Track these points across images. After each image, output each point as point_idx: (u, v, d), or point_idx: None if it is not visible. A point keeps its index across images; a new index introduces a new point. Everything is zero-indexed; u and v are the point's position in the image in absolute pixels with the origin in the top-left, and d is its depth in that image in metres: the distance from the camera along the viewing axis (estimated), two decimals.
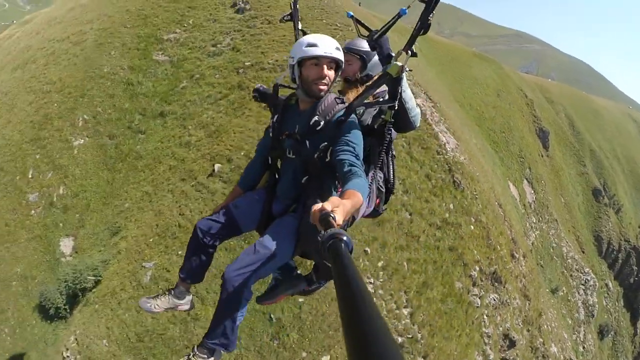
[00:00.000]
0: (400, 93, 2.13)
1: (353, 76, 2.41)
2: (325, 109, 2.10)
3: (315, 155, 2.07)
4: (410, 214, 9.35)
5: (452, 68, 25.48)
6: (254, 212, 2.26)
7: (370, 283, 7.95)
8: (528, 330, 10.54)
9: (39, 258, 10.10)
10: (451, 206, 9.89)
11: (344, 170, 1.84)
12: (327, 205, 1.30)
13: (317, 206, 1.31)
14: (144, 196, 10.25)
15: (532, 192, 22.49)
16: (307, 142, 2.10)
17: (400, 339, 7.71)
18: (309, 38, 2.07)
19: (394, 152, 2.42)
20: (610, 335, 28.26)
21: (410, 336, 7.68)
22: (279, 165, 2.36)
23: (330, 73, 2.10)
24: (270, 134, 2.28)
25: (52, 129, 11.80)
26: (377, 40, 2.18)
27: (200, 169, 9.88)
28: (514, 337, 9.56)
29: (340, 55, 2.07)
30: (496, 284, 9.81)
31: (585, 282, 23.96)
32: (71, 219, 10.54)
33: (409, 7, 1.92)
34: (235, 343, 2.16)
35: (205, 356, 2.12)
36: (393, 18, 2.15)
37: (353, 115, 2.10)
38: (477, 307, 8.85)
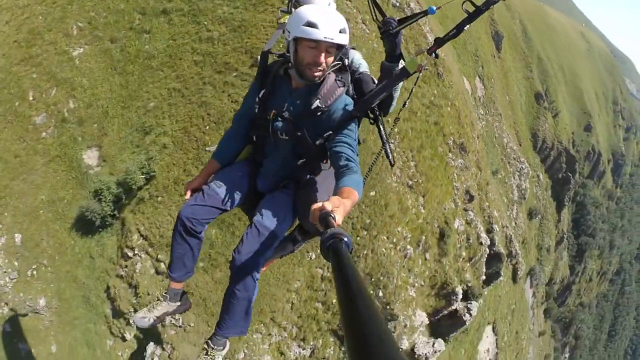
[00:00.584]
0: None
1: None
2: (326, 93, 1.95)
3: (317, 142, 1.99)
4: (409, 96, 10.81)
5: None
6: (238, 189, 2.17)
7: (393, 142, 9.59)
8: (479, 194, 12.99)
9: (63, 178, 9.81)
10: (435, 92, 11.62)
11: (340, 164, 1.81)
12: (327, 205, 1.31)
13: (317, 205, 1.33)
14: (172, 92, 9.92)
15: (482, 87, 24.52)
16: (304, 126, 1.99)
17: (409, 182, 9.75)
18: (310, 13, 1.80)
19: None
20: (537, 218, 33.96)
21: (415, 180, 9.70)
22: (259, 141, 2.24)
23: (329, 59, 1.90)
24: (256, 109, 2.11)
25: (44, 44, 10.49)
26: (394, 33, 1.99)
27: (237, 61, 9.64)
28: (472, 194, 11.86)
29: (343, 40, 1.83)
30: (462, 152, 11.93)
31: (520, 169, 27.69)
32: (90, 130, 10.09)
33: (439, 8, 1.80)
34: (248, 326, 2.15)
35: (222, 347, 2.13)
36: (419, 14, 1.98)
37: (349, 99, 2.03)
38: (451, 166, 11.15)
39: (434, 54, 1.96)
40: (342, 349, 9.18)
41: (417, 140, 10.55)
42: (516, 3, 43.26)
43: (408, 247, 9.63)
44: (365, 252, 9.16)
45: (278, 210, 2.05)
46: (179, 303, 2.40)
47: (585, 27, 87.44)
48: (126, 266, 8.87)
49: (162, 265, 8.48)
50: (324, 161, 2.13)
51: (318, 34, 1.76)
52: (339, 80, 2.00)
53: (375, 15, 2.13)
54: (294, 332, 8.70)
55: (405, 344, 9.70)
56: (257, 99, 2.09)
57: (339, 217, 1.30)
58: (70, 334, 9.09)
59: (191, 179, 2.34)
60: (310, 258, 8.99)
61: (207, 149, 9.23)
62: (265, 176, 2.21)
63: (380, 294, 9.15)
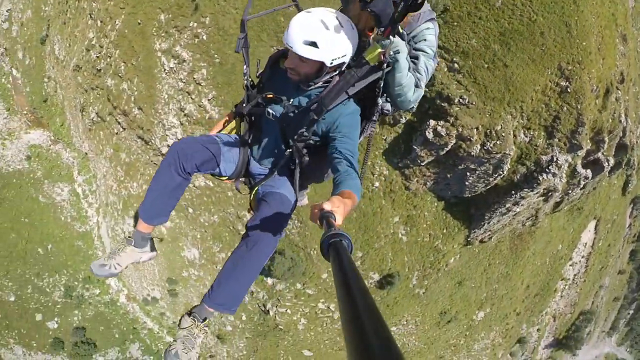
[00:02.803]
0: (385, 80, 2.06)
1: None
2: (324, 98, 2.07)
3: (312, 141, 2.17)
4: None
5: None
6: (234, 157, 2.35)
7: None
8: (629, 81, 17.51)
9: None
10: None
11: (340, 169, 1.92)
12: (327, 205, 1.41)
13: (317, 205, 1.43)
14: None
15: None
16: (301, 119, 2.13)
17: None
18: (297, 16, 2.00)
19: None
20: None
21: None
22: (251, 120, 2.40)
23: (301, 65, 2.04)
24: (250, 88, 2.32)
25: None
26: None
27: None
28: (624, 77, 16.53)
29: (307, 53, 1.94)
30: (624, 41, 16.18)
31: None
32: None
33: None
34: (238, 306, 2.13)
35: (206, 324, 2.16)
36: None
37: (355, 106, 2.14)
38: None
39: (394, 36, 1.90)
40: None
41: None
42: None
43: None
44: None
45: (288, 185, 2.29)
46: (145, 250, 2.42)
47: None
48: None
49: None
50: (315, 161, 2.24)
51: (284, 37, 1.98)
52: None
53: None
54: None
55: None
56: (258, 80, 2.32)
57: (339, 217, 1.39)
58: None
59: None
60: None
61: None
62: (258, 161, 2.40)
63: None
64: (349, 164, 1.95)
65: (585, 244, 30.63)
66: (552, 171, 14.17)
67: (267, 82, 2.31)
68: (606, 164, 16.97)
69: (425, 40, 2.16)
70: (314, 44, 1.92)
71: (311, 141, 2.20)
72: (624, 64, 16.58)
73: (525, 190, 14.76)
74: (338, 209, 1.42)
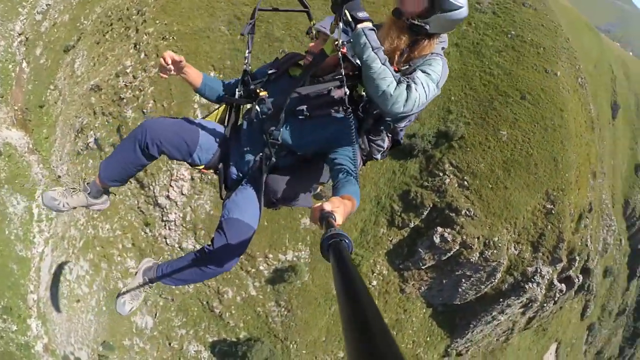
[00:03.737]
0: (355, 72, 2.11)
1: (407, 15, 2.04)
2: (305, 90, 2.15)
3: (301, 152, 2.26)
4: None
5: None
6: (212, 147, 2.37)
7: None
8: (596, 211, 20.55)
9: None
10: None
11: (340, 175, 2.00)
12: (328, 206, 1.44)
13: (318, 205, 1.46)
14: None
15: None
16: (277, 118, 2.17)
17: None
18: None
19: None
20: (609, 279, 39.86)
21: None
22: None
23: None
24: (248, 75, 2.36)
25: None
26: None
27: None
28: (592, 207, 19.51)
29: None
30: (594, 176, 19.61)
31: (609, 225, 34.63)
32: None
33: None
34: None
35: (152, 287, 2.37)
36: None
37: (350, 117, 2.10)
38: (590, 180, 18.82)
39: (341, 22, 1.90)
40: None
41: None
42: (635, 72, 49.83)
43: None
44: None
45: (254, 209, 2.23)
46: (97, 201, 2.51)
47: None
48: None
49: None
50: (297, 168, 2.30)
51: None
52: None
53: None
54: None
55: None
56: (267, 73, 2.35)
57: (339, 217, 1.41)
58: None
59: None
60: None
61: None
62: (240, 167, 2.39)
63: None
64: (349, 171, 2.00)
65: None
66: (537, 281, 15.52)
67: (272, 82, 2.32)
68: (576, 280, 18.85)
69: (430, 65, 2.09)
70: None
71: (298, 152, 2.28)
72: (592, 196, 19.46)
73: (512, 298, 15.75)
74: (338, 209, 1.45)
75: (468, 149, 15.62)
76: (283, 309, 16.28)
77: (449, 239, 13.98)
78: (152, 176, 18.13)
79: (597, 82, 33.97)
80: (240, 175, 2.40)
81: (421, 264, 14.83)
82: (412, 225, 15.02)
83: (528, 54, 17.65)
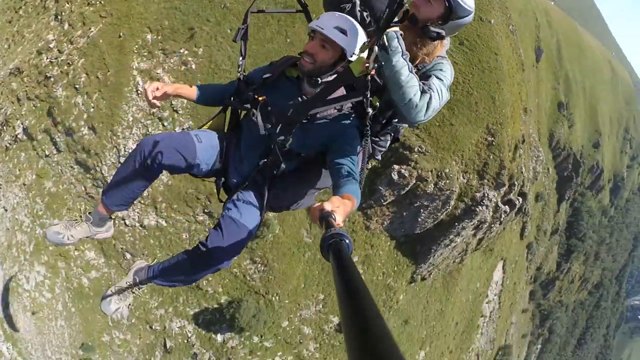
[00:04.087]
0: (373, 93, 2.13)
1: (423, 22, 2.14)
2: (314, 101, 2.18)
3: (274, 146, 2.24)
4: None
5: None
6: (210, 158, 2.41)
7: None
8: (527, 142, 23.84)
9: None
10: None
11: (340, 174, 2.06)
12: (327, 205, 1.48)
13: (318, 205, 1.50)
14: None
15: None
16: (284, 124, 2.20)
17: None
18: (324, 13, 2.23)
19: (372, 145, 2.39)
20: (541, 203, 45.87)
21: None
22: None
23: (321, 52, 2.17)
24: (243, 81, 2.42)
25: None
26: None
27: None
28: (524, 139, 22.66)
29: (336, 36, 2.10)
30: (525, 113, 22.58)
31: (537, 156, 39.45)
32: None
33: None
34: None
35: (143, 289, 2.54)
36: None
37: (354, 120, 2.24)
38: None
39: (378, 46, 1.90)
40: None
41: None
42: (556, 20, 55.05)
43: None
44: None
45: (254, 211, 2.30)
46: (101, 230, 2.53)
47: (614, 56, 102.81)
48: None
49: None
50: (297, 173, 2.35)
51: (312, 24, 2.17)
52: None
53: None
54: None
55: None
56: (262, 77, 2.36)
57: (339, 217, 1.45)
58: None
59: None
60: None
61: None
62: (240, 172, 2.41)
63: None
64: (349, 170, 2.05)
65: (497, 282, 36.10)
66: (485, 204, 18.07)
67: (268, 86, 2.35)
68: (517, 202, 22.06)
69: (441, 70, 2.20)
70: (343, 32, 2.09)
71: (301, 153, 2.29)
72: (524, 129, 22.66)
73: (466, 221, 18.36)
74: (338, 208, 1.49)
75: None
76: (259, 265, 17.36)
77: (405, 175, 15.90)
78: (98, 156, 17.28)
79: (522, 29, 37.48)
80: (241, 178, 2.42)
81: (382, 201, 16.73)
82: (369, 166, 16.65)
83: None
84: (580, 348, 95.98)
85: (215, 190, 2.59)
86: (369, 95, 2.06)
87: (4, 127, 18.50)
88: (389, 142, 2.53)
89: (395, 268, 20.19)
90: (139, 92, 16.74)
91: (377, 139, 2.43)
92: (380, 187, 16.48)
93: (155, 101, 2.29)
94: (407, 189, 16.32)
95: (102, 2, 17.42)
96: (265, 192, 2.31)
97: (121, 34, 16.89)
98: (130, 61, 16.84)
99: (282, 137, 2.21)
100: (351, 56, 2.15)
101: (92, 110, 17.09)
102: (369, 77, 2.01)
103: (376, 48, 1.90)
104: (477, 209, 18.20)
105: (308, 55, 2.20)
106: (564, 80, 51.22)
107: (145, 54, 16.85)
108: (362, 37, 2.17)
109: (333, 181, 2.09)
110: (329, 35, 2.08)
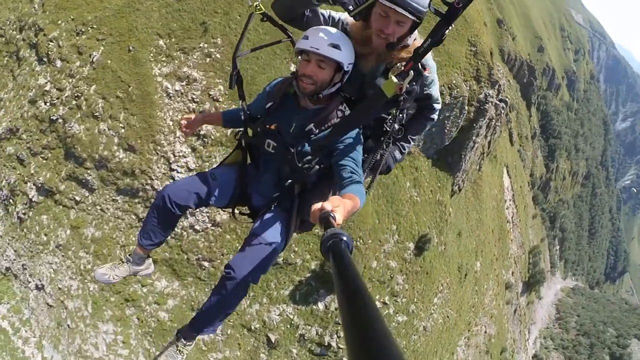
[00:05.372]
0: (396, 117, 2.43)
1: (397, 40, 2.31)
2: (321, 119, 2.40)
3: (303, 165, 2.42)
4: None
5: None
6: (227, 191, 2.70)
7: None
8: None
9: None
10: None
11: (344, 176, 2.21)
12: (327, 205, 1.56)
13: (317, 205, 1.58)
14: None
15: None
16: (297, 147, 2.43)
17: None
18: (310, 29, 2.35)
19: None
20: (514, 112, 51.76)
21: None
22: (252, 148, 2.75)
23: (319, 72, 2.30)
24: (249, 120, 2.68)
25: None
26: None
27: None
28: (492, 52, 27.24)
29: (332, 53, 2.24)
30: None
31: (498, 67, 44.64)
32: None
33: None
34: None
35: (192, 343, 2.68)
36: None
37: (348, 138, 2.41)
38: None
39: (414, 71, 2.09)
40: None
41: None
42: None
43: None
44: None
45: (278, 227, 2.52)
46: (141, 267, 2.93)
47: None
48: None
49: None
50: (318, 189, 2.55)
51: (305, 44, 2.26)
52: (339, 110, 2.42)
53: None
54: None
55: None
56: (265, 108, 2.55)
57: (339, 217, 1.54)
58: None
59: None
60: None
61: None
62: (261, 192, 2.66)
63: None
64: (352, 171, 2.23)
65: (507, 187, 41.20)
66: (489, 101, 22.46)
67: (274, 113, 2.53)
68: (507, 99, 26.56)
69: (434, 85, 2.65)
70: (337, 47, 2.25)
71: (316, 166, 2.46)
72: (489, 41, 27.43)
73: (480, 120, 22.55)
74: (338, 208, 1.59)
75: None
76: None
77: None
78: (145, 173, 17.03)
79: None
80: (266, 200, 2.68)
81: None
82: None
83: None
84: (593, 237, 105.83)
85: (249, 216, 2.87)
86: (398, 114, 2.38)
87: (12, 199, 17.78)
88: (407, 150, 2.89)
89: (439, 184, 23.98)
90: (170, 95, 17.21)
91: (398, 147, 2.80)
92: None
93: (187, 131, 2.90)
94: None
95: (94, 27, 17.69)
96: (293, 208, 2.55)
97: (130, 47, 17.41)
98: (150, 70, 17.34)
99: (308, 156, 2.41)
100: (347, 67, 2.31)
101: (122, 130, 17.01)
102: (402, 99, 2.23)
103: (412, 72, 2.10)
104: (485, 107, 22.51)
105: (307, 78, 2.32)
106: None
107: (164, 59, 17.57)
108: (350, 44, 2.33)
109: (337, 182, 2.26)
110: (326, 54, 2.23)
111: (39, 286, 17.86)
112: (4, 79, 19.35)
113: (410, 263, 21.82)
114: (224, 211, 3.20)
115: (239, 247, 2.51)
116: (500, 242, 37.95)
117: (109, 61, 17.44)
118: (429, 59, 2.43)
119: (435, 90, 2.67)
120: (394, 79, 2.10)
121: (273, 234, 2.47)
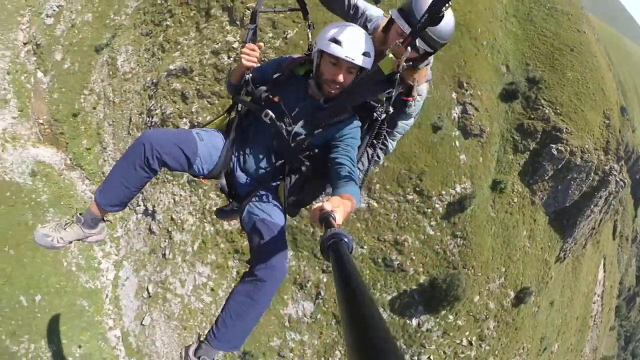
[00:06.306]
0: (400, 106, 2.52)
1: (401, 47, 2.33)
2: (330, 114, 2.45)
3: (300, 150, 2.46)
4: None
5: None
6: (213, 155, 2.53)
7: None
8: None
9: None
10: None
11: (341, 175, 2.25)
12: (327, 205, 1.61)
13: (318, 205, 1.62)
14: None
15: None
16: (297, 131, 2.45)
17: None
18: (338, 30, 2.31)
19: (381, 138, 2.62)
20: (622, 208, 49.52)
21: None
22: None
23: (348, 77, 2.39)
24: (251, 83, 2.55)
25: None
26: None
27: None
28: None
29: (365, 63, 2.31)
30: None
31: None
32: None
33: None
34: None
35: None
36: None
37: (358, 121, 2.53)
38: None
39: (409, 48, 2.11)
40: None
41: None
42: (598, 26, 62.87)
43: None
44: None
45: (276, 208, 2.49)
46: (93, 232, 2.56)
47: None
48: None
49: None
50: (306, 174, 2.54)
51: (340, 52, 2.25)
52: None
53: None
54: None
55: None
56: (272, 78, 2.55)
57: (339, 217, 1.58)
58: None
59: None
60: None
61: None
62: (247, 169, 2.58)
63: None
64: (349, 172, 2.27)
65: (600, 281, 39.35)
66: (613, 173, 23.71)
67: (279, 86, 2.53)
68: (625, 181, 26.82)
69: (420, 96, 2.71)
70: (368, 54, 2.33)
71: (309, 151, 2.49)
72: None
73: (602, 190, 23.61)
74: (338, 208, 1.64)
75: (551, 88, 23.44)
76: (459, 239, 19.68)
77: (562, 150, 21.43)
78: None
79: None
80: (249, 180, 2.60)
81: (545, 175, 21.91)
82: (531, 148, 22.19)
83: (563, 19, 26.23)
84: None
85: (222, 192, 2.71)
86: (394, 93, 2.37)
87: (165, 124, 19.40)
88: (392, 146, 2.93)
89: (549, 243, 24.51)
90: None
91: (386, 139, 2.81)
92: (544, 163, 21.88)
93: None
94: (562, 162, 21.69)
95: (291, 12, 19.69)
96: (284, 190, 2.53)
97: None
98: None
99: (302, 137, 2.46)
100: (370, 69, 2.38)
101: None
102: (398, 75, 2.26)
103: (409, 48, 2.16)
104: (608, 179, 23.65)
105: (335, 84, 2.38)
106: (618, 84, 57.57)
107: None
108: (372, 45, 2.40)
109: (333, 181, 2.29)
110: (360, 64, 2.31)
111: (149, 212, 19.19)
112: (187, 27, 21.59)
113: (506, 311, 22.17)
114: (203, 182, 3.05)
115: (248, 239, 2.48)
116: (579, 335, 35.92)
117: (301, 41, 19.04)
118: (424, 89, 2.68)
119: (413, 112, 2.79)
120: (391, 56, 2.19)
121: (278, 216, 2.47)
